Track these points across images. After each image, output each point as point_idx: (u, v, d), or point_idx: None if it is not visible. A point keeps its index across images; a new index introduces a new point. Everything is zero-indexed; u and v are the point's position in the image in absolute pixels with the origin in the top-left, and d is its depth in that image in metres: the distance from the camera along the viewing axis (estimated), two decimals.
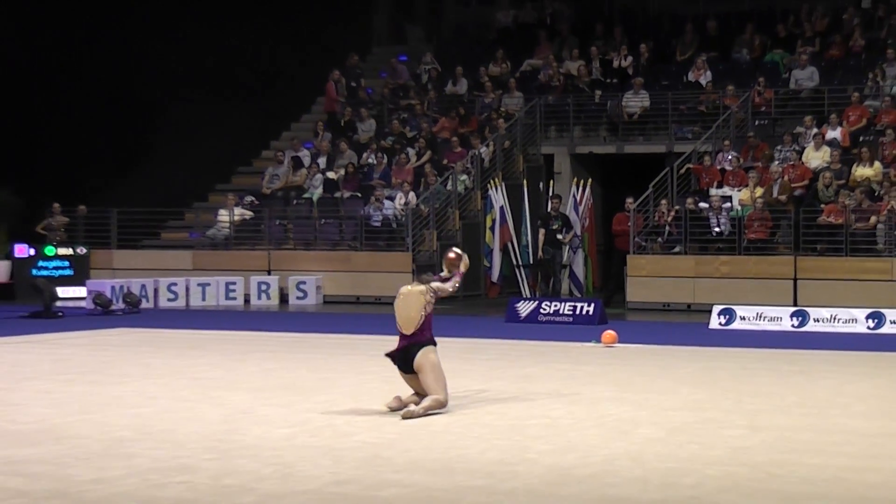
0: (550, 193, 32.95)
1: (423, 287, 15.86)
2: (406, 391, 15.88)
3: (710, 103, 35.43)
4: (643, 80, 36.53)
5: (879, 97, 33.97)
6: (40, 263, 33.87)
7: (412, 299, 15.78)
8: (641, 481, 11.92)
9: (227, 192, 36.92)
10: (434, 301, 15.84)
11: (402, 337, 15.79)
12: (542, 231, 31.86)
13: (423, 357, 15.67)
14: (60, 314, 29.45)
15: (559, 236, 31.77)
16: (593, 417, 15.30)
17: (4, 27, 37.12)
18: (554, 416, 15.51)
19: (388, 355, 15.95)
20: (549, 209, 32.28)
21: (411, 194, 34.25)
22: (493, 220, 33.32)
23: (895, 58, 34.75)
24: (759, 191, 31.46)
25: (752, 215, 30.97)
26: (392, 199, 34.45)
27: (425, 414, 15.34)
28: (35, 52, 37.19)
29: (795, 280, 29.95)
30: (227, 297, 33.16)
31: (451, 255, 16.71)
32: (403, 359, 15.78)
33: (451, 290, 16.37)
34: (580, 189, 33.06)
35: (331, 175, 36.36)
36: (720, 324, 26.79)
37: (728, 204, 31.59)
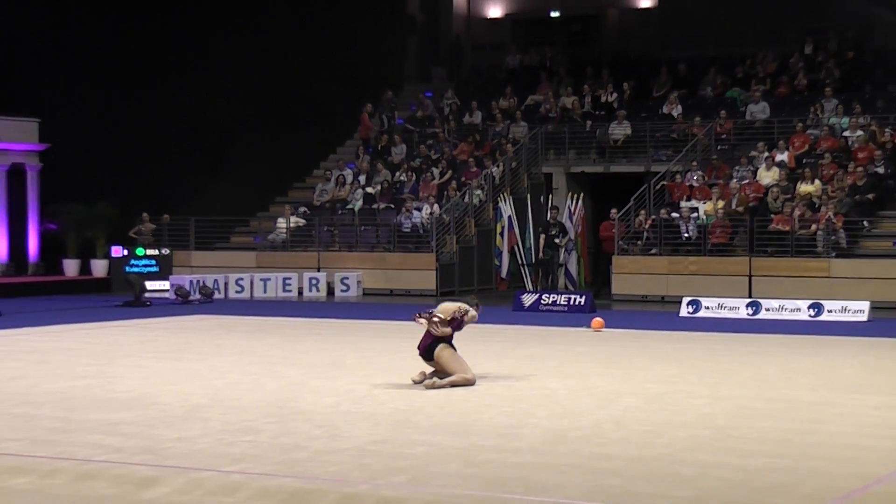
0: (549, 205, 32.89)
1: (461, 305, 15.78)
2: (429, 369, 15.87)
3: (680, 132, 35.35)
4: (626, 113, 36.45)
5: (819, 127, 33.85)
6: (132, 262, 33.91)
7: (451, 305, 15.79)
8: (623, 441, 11.92)
9: (285, 203, 36.92)
10: (460, 319, 15.70)
11: (427, 335, 15.72)
12: (542, 236, 31.82)
13: (439, 351, 15.62)
14: (148, 303, 29.51)
15: (556, 240, 31.73)
16: (584, 389, 15.31)
17: (109, 72, 37.23)
18: (552, 388, 15.51)
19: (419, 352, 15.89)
20: (548, 218, 32.24)
21: (435, 206, 34.22)
22: (503, 227, 33.29)
23: (832, 95, 34.68)
24: (721, 203, 31.39)
25: (715, 223, 30.91)
26: (420, 209, 34.44)
27: (451, 385, 15.31)
28: (128, 91, 37.27)
29: (750, 277, 29.87)
30: (284, 290, 33.15)
31: (436, 319, 15.88)
32: (427, 351, 15.73)
33: (467, 321, 15.88)
34: (574, 202, 33.02)
35: (369, 190, 36.36)
36: (688, 312, 26.74)
37: (695, 214, 31.52)
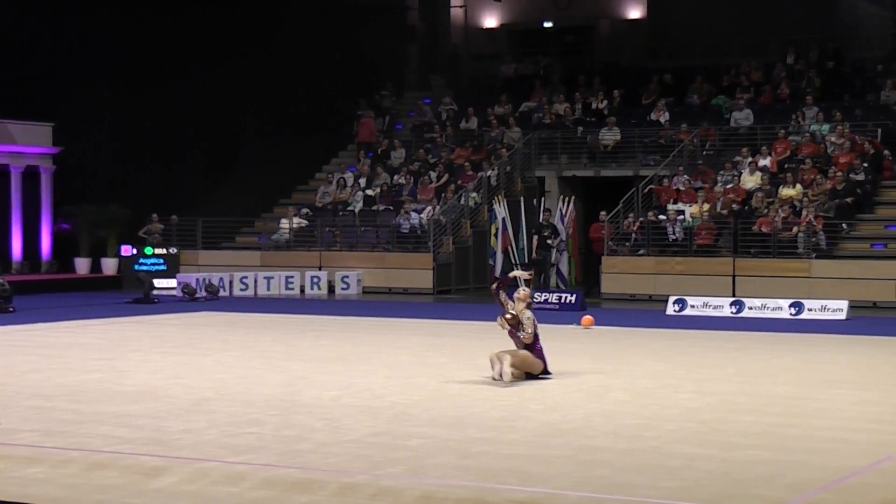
0: (542, 208, 32.85)
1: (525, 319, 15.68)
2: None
3: (668, 138, 35.34)
4: (616, 119, 36.43)
5: (800, 133, 33.86)
6: (141, 260, 33.86)
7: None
8: (613, 434, 11.91)
9: (288, 205, 36.91)
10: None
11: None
12: (535, 237, 31.79)
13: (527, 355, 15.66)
14: (157, 300, 29.48)
15: (549, 241, 31.69)
16: (575, 384, 15.29)
17: (121, 78, 37.22)
18: (544, 383, 15.49)
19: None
20: (541, 220, 32.20)
21: (433, 208, 34.22)
22: (497, 229, 33.20)
23: (813, 103, 34.70)
24: (706, 206, 31.38)
25: (701, 225, 30.91)
26: (418, 211, 34.43)
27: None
28: (139, 97, 37.24)
29: (734, 276, 29.86)
30: (287, 288, 33.13)
31: (508, 316, 15.91)
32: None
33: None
34: (565, 204, 32.94)
35: (370, 192, 36.35)
36: (675, 311, 26.72)
37: (682, 216, 31.52)
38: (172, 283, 32.46)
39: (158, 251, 34.20)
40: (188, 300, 30.06)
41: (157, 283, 31.95)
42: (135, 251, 34.09)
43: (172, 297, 30.82)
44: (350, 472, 10.10)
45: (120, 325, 23.85)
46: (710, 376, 16.22)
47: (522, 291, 16.10)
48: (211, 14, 38.40)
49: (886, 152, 32.51)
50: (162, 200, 36.14)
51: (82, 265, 36.49)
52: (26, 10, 36.64)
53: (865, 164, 31.68)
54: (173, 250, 34.48)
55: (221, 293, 31.53)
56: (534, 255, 31.89)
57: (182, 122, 37.81)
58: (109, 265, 36.16)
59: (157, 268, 33.73)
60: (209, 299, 30.46)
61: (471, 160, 36.62)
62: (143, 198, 36.10)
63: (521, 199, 33.86)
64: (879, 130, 33.24)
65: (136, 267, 33.49)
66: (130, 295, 30.31)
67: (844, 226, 30.42)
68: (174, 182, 37.36)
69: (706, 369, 17.00)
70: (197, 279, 31.47)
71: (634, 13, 43.56)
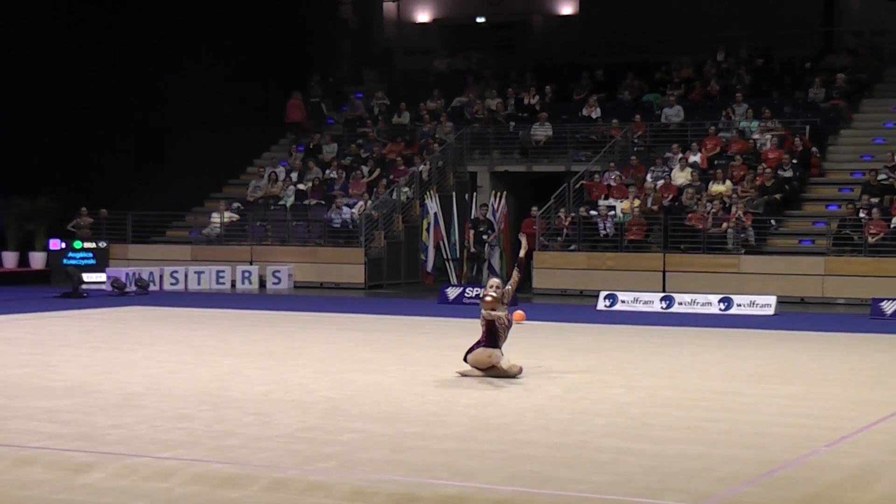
0: (479, 203, 32.92)
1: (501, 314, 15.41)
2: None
3: (599, 133, 35.49)
4: (547, 115, 36.55)
5: (730, 130, 34.13)
6: (70, 254, 33.50)
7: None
8: (544, 428, 11.96)
9: (220, 199, 36.70)
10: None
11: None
12: (471, 231, 31.87)
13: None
14: (86, 295, 29.23)
15: (484, 237, 31.80)
16: (506, 379, 15.31)
17: (50, 70, 36.84)
18: (475, 378, 15.51)
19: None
20: (478, 215, 32.29)
21: (365, 202, 34.17)
22: (429, 224, 33.24)
23: (742, 100, 34.99)
24: (637, 202, 31.57)
25: (632, 221, 31.09)
26: (350, 206, 34.36)
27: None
28: (69, 89, 36.88)
29: (664, 272, 30.07)
30: (218, 283, 32.93)
31: (488, 298, 15.51)
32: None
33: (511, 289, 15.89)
34: (498, 199, 33.05)
35: (301, 187, 36.22)
36: (606, 306, 26.87)
37: (612, 212, 31.68)
38: (102, 277, 32.16)
39: (88, 245, 33.86)
40: (118, 295, 29.82)
41: (87, 277, 31.65)
42: (63, 245, 33.74)
43: (102, 292, 30.56)
44: (281, 467, 10.07)
45: (49, 319, 23.62)
46: (639, 371, 16.33)
47: (495, 280, 16.06)
48: (141, 5, 38.11)
49: (814, 149, 32.88)
50: (91, 194, 35.80)
51: (10, 259, 36.06)
52: None
53: (794, 161, 32.01)
54: (103, 244, 34.16)
55: (151, 288, 31.30)
56: (472, 248, 31.96)
57: (112, 115, 37.45)
58: (38, 259, 35.77)
59: (86, 262, 33.39)
60: (139, 294, 30.23)
61: (403, 155, 36.60)
62: (72, 191, 35.74)
63: (454, 194, 33.93)
64: (808, 127, 33.58)
65: (65, 261, 33.13)
66: (59, 289, 30.01)
67: (773, 222, 30.74)
68: (104, 175, 37.00)
69: (636, 364, 17.11)
70: (127, 273, 31.22)
71: (567, 9, 43.73)
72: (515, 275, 16.34)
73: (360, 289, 32.64)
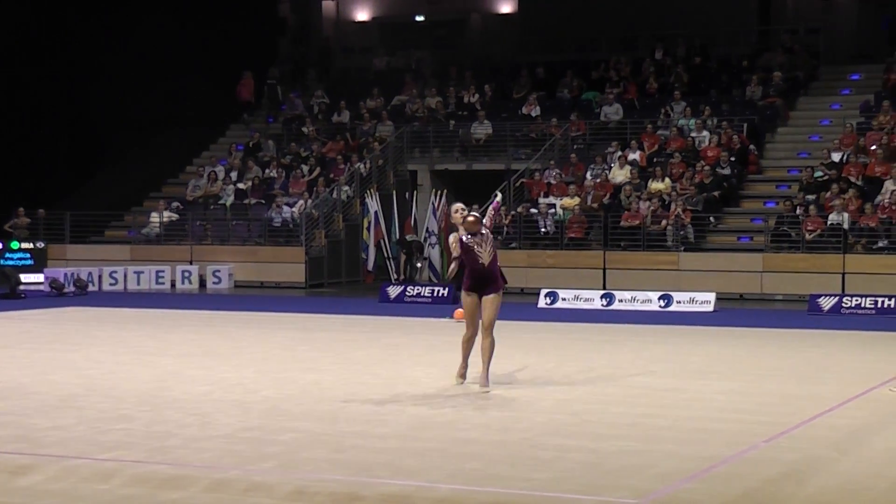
0: (416, 202, 32.90)
1: (486, 232, 14.24)
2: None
3: (539, 132, 35.60)
4: (487, 113, 36.62)
5: (669, 128, 34.32)
6: (7, 255, 33.20)
7: (488, 241, 14.21)
8: (484, 426, 11.98)
9: (159, 198, 36.49)
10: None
11: (477, 270, 14.31)
12: (403, 254, 31.80)
13: (495, 297, 14.54)
14: (23, 295, 28.95)
15: (413, 259, 31.83)
16: (446, 377, 15.30)
17: None
18: (416, 376, 15.53)
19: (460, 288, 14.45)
20: (406, 236, 32.01)
21: (305, 201, 34.08)
22: (369, 222, 33.17)
23: (681, 98, 35.22)
24: (577, 200, 31.70)
25: (572, 219, 31.20)
26: (290, 205, 34.27)
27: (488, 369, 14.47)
28: (4, 87, 36.54)
29: (605, 269, 30.20)
30: (157, 283, 32.73)
31: (471, 218, 14.26)
32: (481, 283, 14.35)
33: (492, 217, 14.57)
34: (438, 198, 33.04)
35: (241, 186, 36.09)
36: (546, 303, 26.96)
37: (553, 210, 31.79)
38: (40, 277, 31.89)
39: (25, 245, 33.56)
40: (56, 295, 29.57)
41: (24, 277, 31.33)
42: (0, 245, 33.42)
43: (40, 293, 30.29)
44: (222, 468, 10.03)
45: None
46: (580, 368, 16.39)
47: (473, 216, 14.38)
48: (76, 4, 37.79)
49: (752, 147, 33.14)
50: (28, 194, 35.49)
51: None
52: None
53: (732, 159, 32.25)
54: (40, 244, 33.86)
55: (90, 288, 31.06)
56: (407, 237, 31.92)
57: (48, 115, 37.19)
58: None
59: (23, 262, 33.09)
60: (78, 294, 30.00)
61: (343, 153, 36.55)
62: (8, 191, 35.41)
63: (394, 192, 33.89)
64: (745, 125, 33.83)
65: (2, 262, 32.81)
66: None
67: (712, 219, 30.95)
68: (41, 175, 36.72)
69: (577, 361, 17.17)
70: (65, 274, 30.98)
71: (506, 7, 43.81)
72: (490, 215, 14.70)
73: (300, 288, 32.55)
